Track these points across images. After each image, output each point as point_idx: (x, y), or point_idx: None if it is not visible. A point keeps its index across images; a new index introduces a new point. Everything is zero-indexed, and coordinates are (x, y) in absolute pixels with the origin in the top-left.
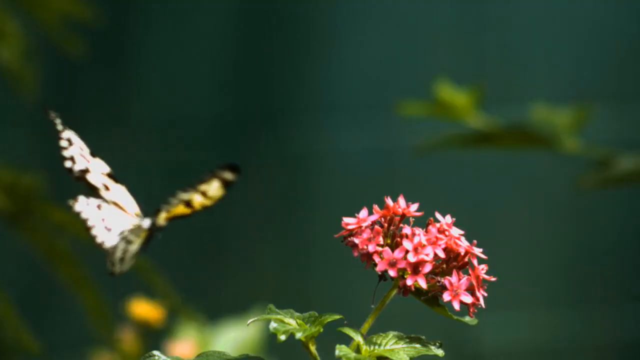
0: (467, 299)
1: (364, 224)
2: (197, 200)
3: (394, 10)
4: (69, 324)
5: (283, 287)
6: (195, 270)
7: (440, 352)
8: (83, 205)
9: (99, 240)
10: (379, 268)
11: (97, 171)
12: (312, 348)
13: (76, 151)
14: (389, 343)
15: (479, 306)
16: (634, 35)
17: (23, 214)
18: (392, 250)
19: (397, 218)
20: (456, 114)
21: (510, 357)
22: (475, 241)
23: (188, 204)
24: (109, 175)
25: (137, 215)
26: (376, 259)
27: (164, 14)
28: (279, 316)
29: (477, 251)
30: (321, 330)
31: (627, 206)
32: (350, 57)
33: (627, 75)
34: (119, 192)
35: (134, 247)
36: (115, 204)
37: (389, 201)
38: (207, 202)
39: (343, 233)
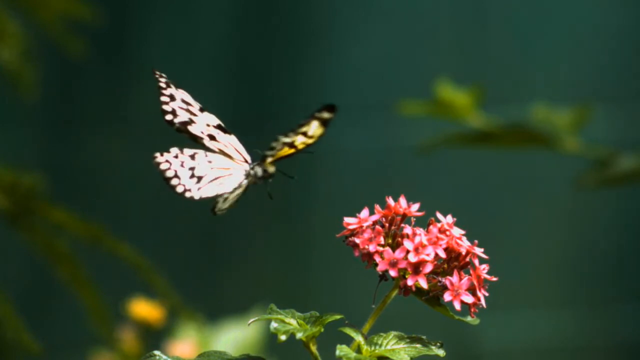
0: (468, 298)
1: (365, 224)
2: (299, 140)
3: (394, 10)
4: (69, 324)
5: (283, 287)
6: (195, 270)
7: (441, 353)
8: (169, 157)
9: (179, 189)
10: (380, 268)
11: (203, 123)
12: (313, 348)
13: (178, 105)
14: (390, 343)
15: (480, 306)
16: (633, 36)
17: (23, 214)
18: (393, 250)
19: (398, 218)
20: (456, 114)
21: (510, 357)
22: (476, 241)
23: (291, 145)
24: (218, 127)
25: (243, 161)
26: (377, 258)
27: (164, 14)
28: (279, 316)
29: (478, 251)
30: (322, 330)
31: (627, 206)
32: (350, 57)
33: (627, 75)
34: (227, 141)
35: (239, 191)
36: (221, 151)
37: (390, 201)
38: (309, 141)
39: (344, 233)
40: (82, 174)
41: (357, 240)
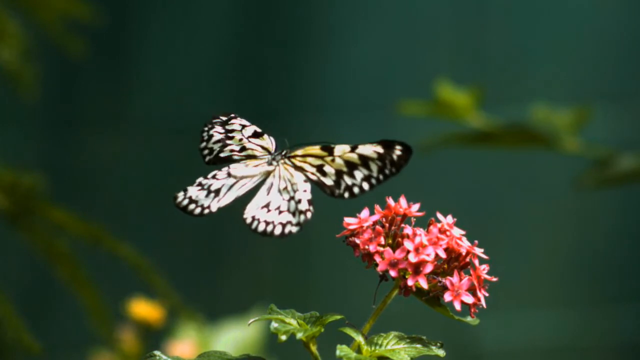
0: (469, 299)
1: (366, 224)
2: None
3: (394, 10)
4: (69, 324)
5: (283, 287)
6: (195, 270)
7: (441, 353)
8: (190, 189)
9: (197, 212)
10: (380, 268)
11: (236, 139)
12: (313, 348)
13: (213, 141)
14: (390, 343)
15: (480, 306)
16: (633, 35)
17: (23, 214)
18: (394, 251)
19: (399, 218)
20: (456, 114)
21: (510, 357)
22: (476, 241)
23: (353, 166)
24: (253, 134)
25: (266, 154)
26: (377, 259)
27: (164, 14)
28: (279, 316)
29: (479, 251)
30: (322, 330)
31: (627, 206)
32: (350, 57)
33: (627, 75)
34: (257, 144)
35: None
36: (248, 155)
37: (390, 201)
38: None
39: (344, 233)
40: (82, 174)
41: (358, 241)
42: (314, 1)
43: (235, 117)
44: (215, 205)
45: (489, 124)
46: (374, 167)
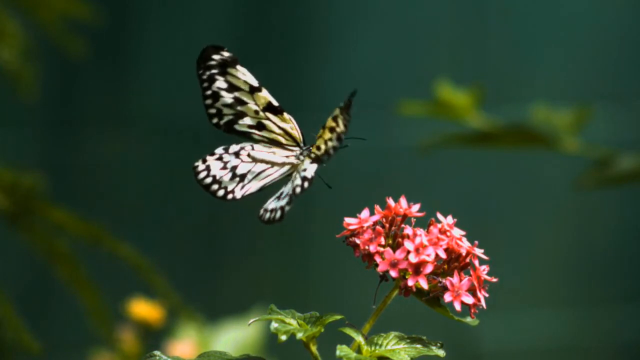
0: (469, 299)
1: (366, 225)
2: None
3: (394, 10)
4: (69, 323)
5: (283, 287)
6: (195, 270)
7: (441, 353)
8: (211, 160)
9: (220, 194)
10: (380, 268)
11: (252, 111)
12: (313, 348)
13: (222, 103)
14: (390, 343)
15: (480, 307)
16: (633, 35)
17: (23, 214)
18: (394, 251)
19: (399, 219)
20: (456, 114)
21: (510, 357)
22: (476, 242)
23: (332, 130)
24: (269, 108)
25: (294, 145)
26: (377, 259)
27: (164, 14)
28: (280, 316)
29: (479, 252)
30: (322, 330)
31: (627, 206)
32: (350, 57)
33: (627, 75)
34: (278, 125)
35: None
36: (272, 139)
37: (390, 201)
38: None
39: (345, 233)
40: (82, 174)
41: (358, 241)
42: (314, 1)
43: (234, 63)
44: (239, 192)
45: (489, 124)
46: (340, 122)
